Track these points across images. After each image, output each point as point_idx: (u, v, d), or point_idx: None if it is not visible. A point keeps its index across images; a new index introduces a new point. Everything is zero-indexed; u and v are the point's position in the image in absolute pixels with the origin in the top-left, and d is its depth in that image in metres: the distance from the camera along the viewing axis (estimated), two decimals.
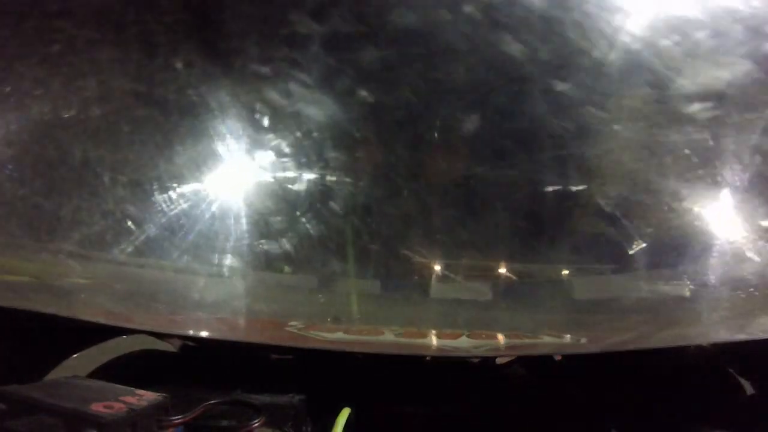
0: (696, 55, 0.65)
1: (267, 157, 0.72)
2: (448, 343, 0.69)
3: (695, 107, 0.65)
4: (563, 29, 0.66)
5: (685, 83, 0.65)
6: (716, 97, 0.64)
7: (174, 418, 0.49)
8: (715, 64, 0.65)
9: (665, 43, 0.66)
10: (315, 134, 0.71)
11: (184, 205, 0.71)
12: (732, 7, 0.63)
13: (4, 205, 0.71)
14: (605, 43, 0.65)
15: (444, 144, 0.72)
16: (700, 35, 0.64)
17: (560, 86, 0.67)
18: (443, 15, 0.67)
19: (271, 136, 0.72)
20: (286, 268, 0.74)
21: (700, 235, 0.66)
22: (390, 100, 0.71)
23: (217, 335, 0.73)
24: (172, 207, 0.71)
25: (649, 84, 0.67)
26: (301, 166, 0.73)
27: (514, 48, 0.66)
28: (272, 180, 0.72)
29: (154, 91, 0.74)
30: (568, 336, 0.66)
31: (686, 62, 0.65)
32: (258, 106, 0.72)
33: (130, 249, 0.70)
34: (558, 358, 0.70)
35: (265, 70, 0.71)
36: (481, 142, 0.72)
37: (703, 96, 0.64)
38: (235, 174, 0.72)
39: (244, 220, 0.71)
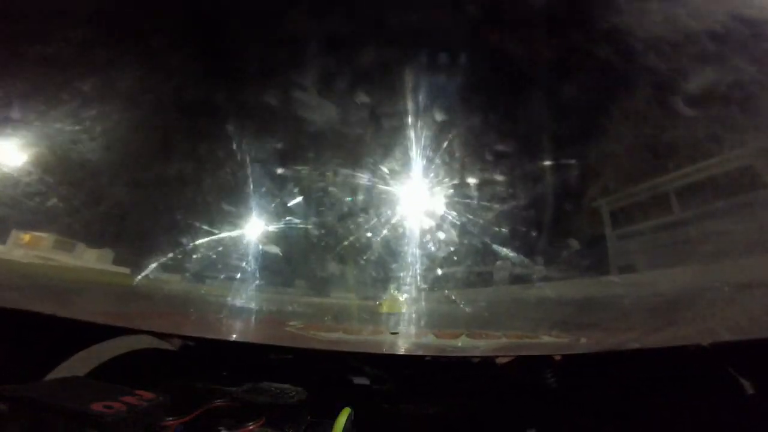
0: None
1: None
2: (448, 343, 0.69)
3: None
4: None
5: None
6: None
7: (174, 418, 0.49)
8: None
9: None
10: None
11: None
12: None
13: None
14: None
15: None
16: None
17: None
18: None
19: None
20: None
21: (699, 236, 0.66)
22: None
23: (217, 335, 0.73)
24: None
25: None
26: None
27: None
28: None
29: None
30: (568, 336, 0.66)
31: None
32: None
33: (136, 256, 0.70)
34: (558, 358, 0.70)
35: None
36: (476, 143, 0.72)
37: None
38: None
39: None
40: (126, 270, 0.73)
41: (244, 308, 0.73)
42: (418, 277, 0.71)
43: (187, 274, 0.74)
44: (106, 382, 0.53)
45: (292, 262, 0.74)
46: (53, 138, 0.72)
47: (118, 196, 0.74)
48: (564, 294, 0.71)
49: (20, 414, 0.42)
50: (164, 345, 0.77)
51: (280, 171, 0.74)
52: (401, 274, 0.71)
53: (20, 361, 0.63)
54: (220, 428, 0.52)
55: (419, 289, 0.71)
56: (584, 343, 0.64)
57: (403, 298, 0.70)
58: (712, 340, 0.59)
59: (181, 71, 0.74)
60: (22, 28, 0.70)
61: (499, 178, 0.70)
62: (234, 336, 0.73)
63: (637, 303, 0.67)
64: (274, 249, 0.73)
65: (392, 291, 0.72)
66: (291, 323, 0.70)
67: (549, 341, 0.65)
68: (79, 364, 0.66)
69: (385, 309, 0.72)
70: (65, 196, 0.73)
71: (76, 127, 0.72)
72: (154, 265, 0.72)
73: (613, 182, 0.70)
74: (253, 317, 0.74)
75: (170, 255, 0.72)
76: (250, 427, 0.52)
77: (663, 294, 0.68)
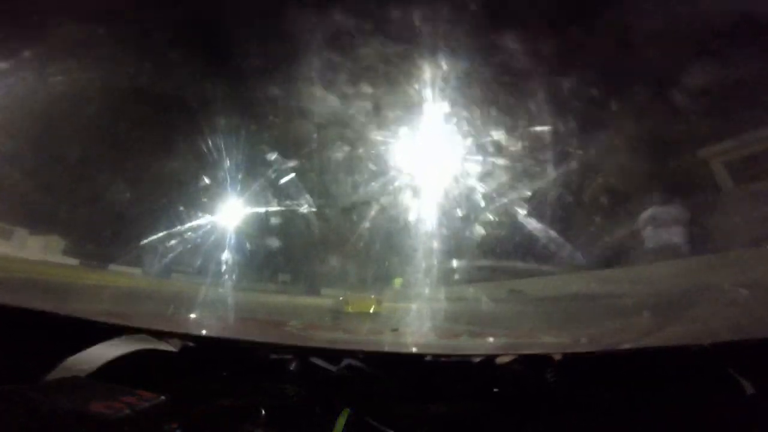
0: None
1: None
2: (448, 342, 0.69)
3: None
4: None
5: None
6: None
7: (174, 418, 0.49)
8: None
9: None
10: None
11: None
12: None
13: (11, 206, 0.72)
14: None
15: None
16: None
17: None
18: None
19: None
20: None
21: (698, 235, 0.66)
22: None
23: (217, 335, 0.73)
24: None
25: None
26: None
27: None
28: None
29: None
30: (568, 336, 0.66)
31: None
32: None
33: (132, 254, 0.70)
34: (558, 357, 0.70)
35: None
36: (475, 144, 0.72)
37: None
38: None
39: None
40: (129, 268, 0.73)
41: (242, 306, 0.73)
42: (419, 275, 0.71)
43: (185, 273, 0.74)
44: (106, 382, 0.53)
45: (283, 258, 0.74)
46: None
47: (115, 194, 0.74)
48: (564, 293, 0.71)
49: (20, 414, 0.42)
50: (164, 345, 0.77)
51: (276, 159, 0.74)
52: (400, 272, 0.71)
53: (20, 361, 0.63)
54: (219, 428, 0.52)
55: (419, 288, 0.71)
56: (584, 343, 0.64)
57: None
58: (712, 340, 0.59)
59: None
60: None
61: (501, 174, 0.70)
62: (234, 336, 0.73)
63: (637, 303, 0.67)
64: (271, 245, 0.73)
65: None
66: (291, 323, 0.70)
67: (549, 341, 0.65)
68: (79, 364, 0.66)
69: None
70: (53, 191, 0.73)
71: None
72: (154, 265, 0.72)
73: (614, 181, 0.70)
74: (252, 316, 0.74)
75: (168, 254, 0.72)
76: (250, 428, 0.52)
77: (663, 294, 0.68)
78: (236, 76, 0.72)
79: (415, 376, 0.74)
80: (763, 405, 0.60)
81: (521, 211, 0.70)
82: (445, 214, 0.70)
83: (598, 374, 0.70)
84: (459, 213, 0.70)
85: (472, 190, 0.70)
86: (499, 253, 0.72)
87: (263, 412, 0.55)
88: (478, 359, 0.73)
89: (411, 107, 0.70)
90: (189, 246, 0.72)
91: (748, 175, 0.65)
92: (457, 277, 0.72)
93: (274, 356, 0.76)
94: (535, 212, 0.70)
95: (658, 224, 0.66)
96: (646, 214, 0.68)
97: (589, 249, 0.69)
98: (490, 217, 0.70)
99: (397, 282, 0.70)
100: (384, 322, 0.70)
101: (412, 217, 0.71)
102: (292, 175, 0.73)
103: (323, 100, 0.69)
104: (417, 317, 0.72)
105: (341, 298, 0.71)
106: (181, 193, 0.74)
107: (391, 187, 0.71)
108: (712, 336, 0.60)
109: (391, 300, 0.72)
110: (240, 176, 0.74)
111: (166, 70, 0.73)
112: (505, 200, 0.69)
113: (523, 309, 0.74)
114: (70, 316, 0.63)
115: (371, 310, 0.69)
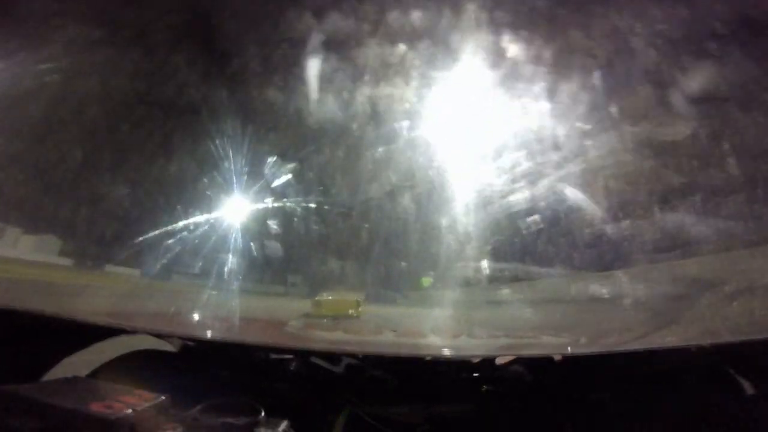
0: None
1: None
2: (448, 343, 0.69)
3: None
4: None
5: None
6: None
7: (174, 418, 0.49)
8: None
9: None
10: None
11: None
12: None
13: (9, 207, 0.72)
14: None
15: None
16: None
17: None
18: None
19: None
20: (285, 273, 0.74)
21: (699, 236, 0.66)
22: None
23: (217, 335, 0.73)
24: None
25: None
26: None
27: None
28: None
29: None
30: (568, 336, 0.66)
31: None
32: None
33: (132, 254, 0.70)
34: (558, 358, 0.70)
35: None
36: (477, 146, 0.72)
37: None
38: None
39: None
40: (129, 270, 0.73)
41: (242, 307, 0.73)
42: (417, 277, 0.71)
43: (186, 274, 0.74)
44: (106, 382, 0.53)
45: (284, 260, 0.73)
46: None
47: (116, 195, 0.74)
48: (564, 294, 0.71)
49: (20, 414, 0.42)
50: (164, 345, 0.77)
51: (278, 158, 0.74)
52: (399, 273, 0.71)
53: (20, 361, 0.64)
54: (219, 428, 0.52)
55: (417, 290, 0.71)
56: (584, 343, 0.64)
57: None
58: (712, 341, 0.59)
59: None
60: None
61: (498, 176, 0.70)
62: (234, 336, 0.73)
63: (637, 303, 0.67)
64: (272, 246, 0.73)
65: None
66: (291, 323, 0.70)
67: (549, 341, 0.65)
68: (79, 364, 0.66)
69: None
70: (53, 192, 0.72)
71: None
72: (154, 265, 0.72)
73: (614, 180, 0.70)
74: (252, 317, 0.74)
75: (167, 255, 0.72)
76: (250, 427, 0.52)
77: (663, 294, 0.68)
78: (240, 75, 0.72)
79: (415, 376, 0.74)
80: (763, 405, 0.61)
81: (520, 213, 0.70)
82: (443, 215, 0.70)
83: (598, 374, 0.70)
84: (457, 215, 0.70)
85: (470, 192, 0.70)
86: (499, 255, 0.71)
87: (263, 412, 0.55)
88: (478, 359, 0.73)
89: (413, 108, 0.70)
90: (188, 248, 0.72)
91: (747, 175, 0.65)
92: (456, 278, 0.71)
93: (274, 356, 0.77)
94: (534, 214, 0.70)
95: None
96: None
97: (588, 250, 0.69)
98: (489, 218, 0.69)
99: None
100: (383, 324, 0.70)
101: (410, 219, 0.71)
102: (293, 175, 0.72)
103: (326, 100, 0.69)
104: (416, 318, 0.72)
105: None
106: (182, 194, 0.74)
107: (389, 189, 0.71)
108: (712, 336, 0.60)
109: (387, 302, 0.72)
110: (241, 177, 0.74)
111: (167, 70, 0.73)
112: (503, 202, 0.69)
113: (523, 310, 0.74)
114: (71, 318, 0.63)
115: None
